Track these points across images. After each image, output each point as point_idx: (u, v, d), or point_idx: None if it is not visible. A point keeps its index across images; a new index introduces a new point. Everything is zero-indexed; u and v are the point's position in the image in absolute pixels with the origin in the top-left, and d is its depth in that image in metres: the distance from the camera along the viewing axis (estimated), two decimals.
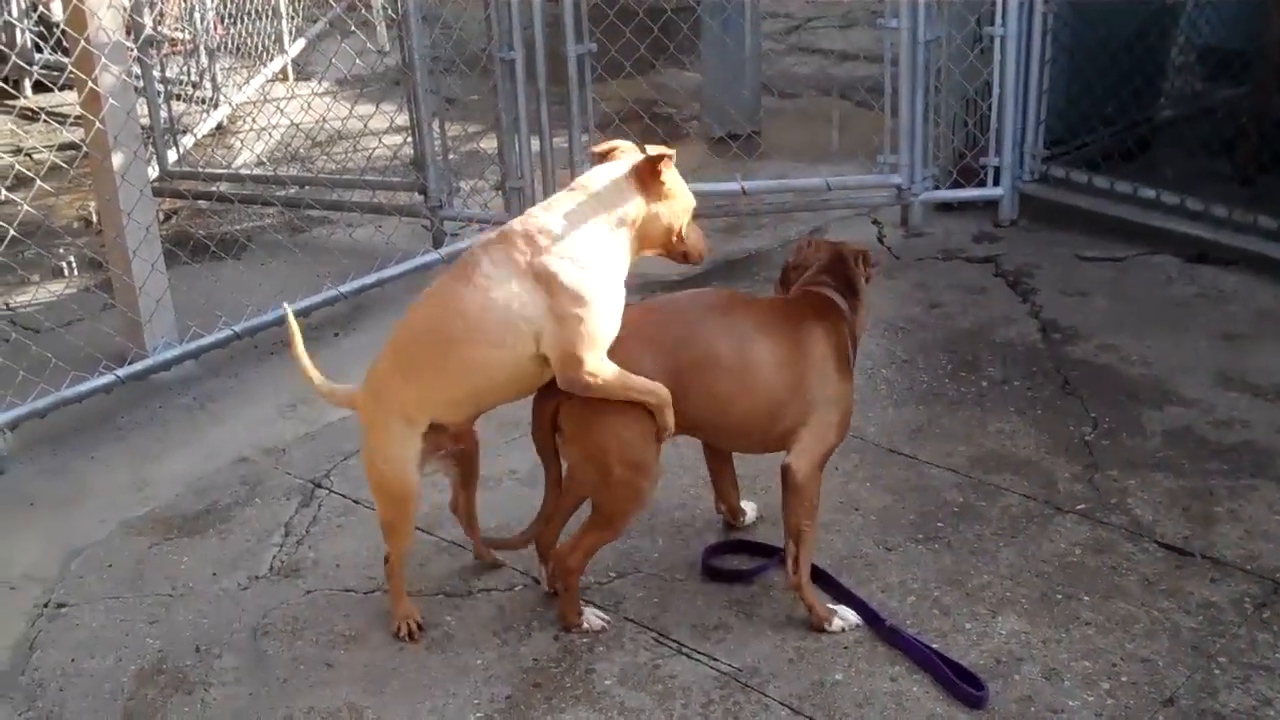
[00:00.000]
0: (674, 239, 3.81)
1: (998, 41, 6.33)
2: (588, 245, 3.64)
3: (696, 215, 3.89)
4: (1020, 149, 6.53)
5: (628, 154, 3.80)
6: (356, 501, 4.60)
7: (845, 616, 3.87)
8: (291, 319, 3.98)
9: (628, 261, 3.73)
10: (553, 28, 6.29)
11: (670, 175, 3.73)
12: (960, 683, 3.61)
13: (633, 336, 3.68)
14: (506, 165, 6.44)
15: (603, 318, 3.61)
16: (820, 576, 3.98)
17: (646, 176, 3.70)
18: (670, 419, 3.67)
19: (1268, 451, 4.61)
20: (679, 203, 3.78)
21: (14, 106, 7.40)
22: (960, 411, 4.94)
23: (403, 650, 3.87)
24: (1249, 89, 6.84)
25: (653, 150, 3.70)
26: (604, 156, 3.82)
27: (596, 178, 3.73)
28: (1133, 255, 6.13)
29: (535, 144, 6.43)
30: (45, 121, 8.11)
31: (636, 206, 3.70)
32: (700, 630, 3.88)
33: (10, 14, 9.02)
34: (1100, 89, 6.71)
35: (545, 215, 3.68)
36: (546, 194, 6.35)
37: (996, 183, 6.53)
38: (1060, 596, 3.94)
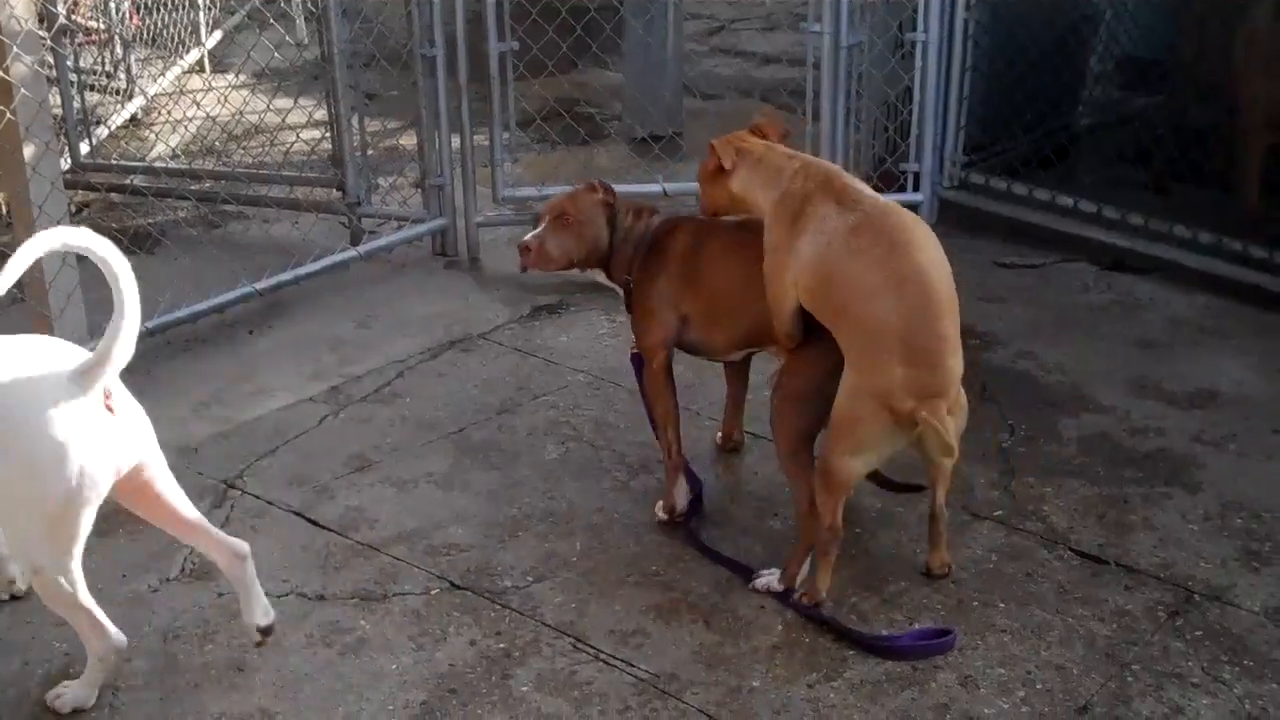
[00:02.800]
0: None
1: (919, 47, 6.35)
2: None
3: None
4: (940, 155, 6.56)
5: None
6: (270, 503, 4.53)
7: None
8: None
9: None
10: (474, 24, 6.25)
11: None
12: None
13: None
14: (426, 162, 6.38)
15: None
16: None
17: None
18: None
19: (1182, 459, 4.66)
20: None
21: None
22: None
23: (316, 655, 3.82)
24: (1165, 98, 6.92)
25: None
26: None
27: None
28: (1050, 262, 6.18)
29: (455, 141, 6.38)
30: None
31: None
32: (618, 636, 3.86)
33: None
34: (1020, 96, 6.75)
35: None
36: (466, 191, 6.35)
37: (916, 188, 6.55)
38: (976, 604, 3.96)
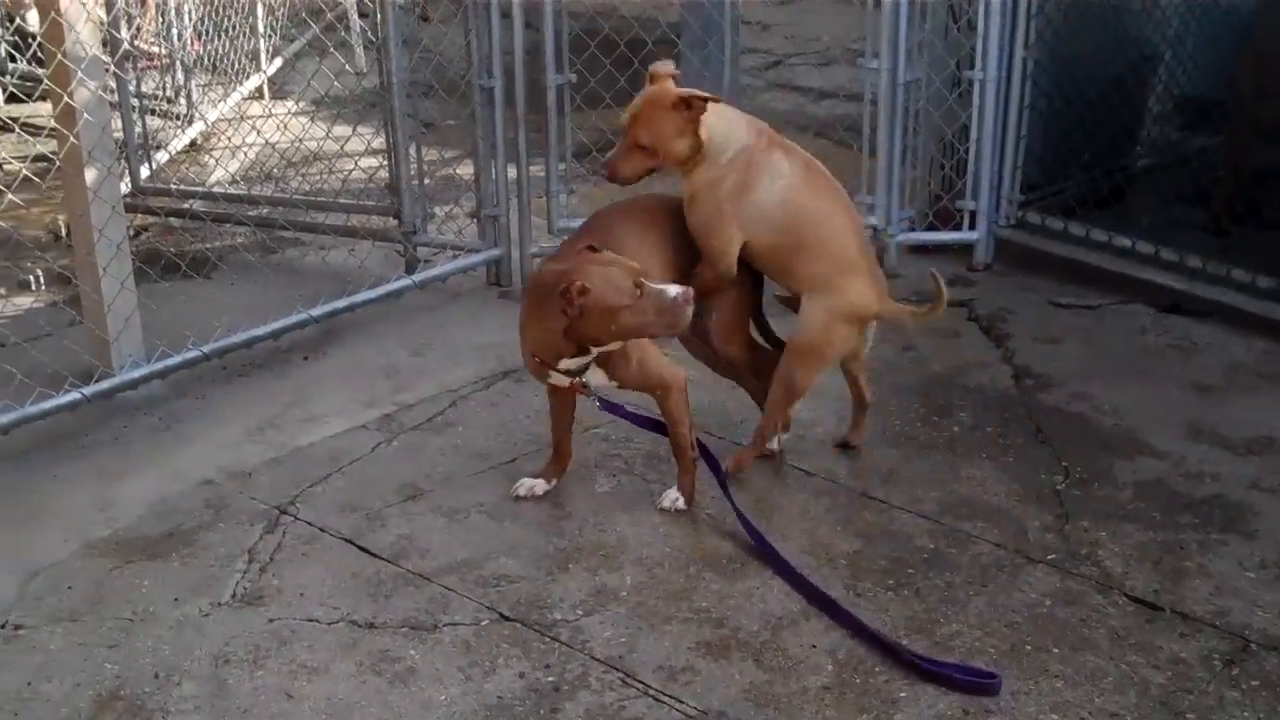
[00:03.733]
0: None
1: (977, 85, 6.34)
2: None
3: None
4: (997, 193, 6.54)
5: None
6: (322, 530, 4.55)
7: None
8: None
9: None
10: (533, 56, 6.27)
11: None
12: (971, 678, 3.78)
13: None
14: (482, 192, 6.41)
15: None
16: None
17: None
18: None
19: (1238, 506, 4.61)
20: None
21: None
22: (932, 456, 4.92)
23: (365, 684, 3.82)
24: (1225, 139, 6.88)
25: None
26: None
27: None
28: (1106, 303, 6.14)
29: (511, 171, 6.40)
30: (18, 133, 8.06)
31: None
32: (667, 671, 3.84)
33: None
34: (1078, 135, 6.73)
35: None
36: (521, 222, 6.37)
37: (972, 226, 6.53)
38: (1029, 648, 3.92)
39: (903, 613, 4.07)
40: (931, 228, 6.61)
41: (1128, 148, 7.21)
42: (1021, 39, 6.34)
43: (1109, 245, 6.32)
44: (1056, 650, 3.91)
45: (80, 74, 5.11)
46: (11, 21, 9.08)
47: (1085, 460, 4.88)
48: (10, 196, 5.44)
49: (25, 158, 7.01)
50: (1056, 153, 6.76)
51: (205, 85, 8.67)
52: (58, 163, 5.36)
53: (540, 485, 4.71)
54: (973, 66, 6.34)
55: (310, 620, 4.10)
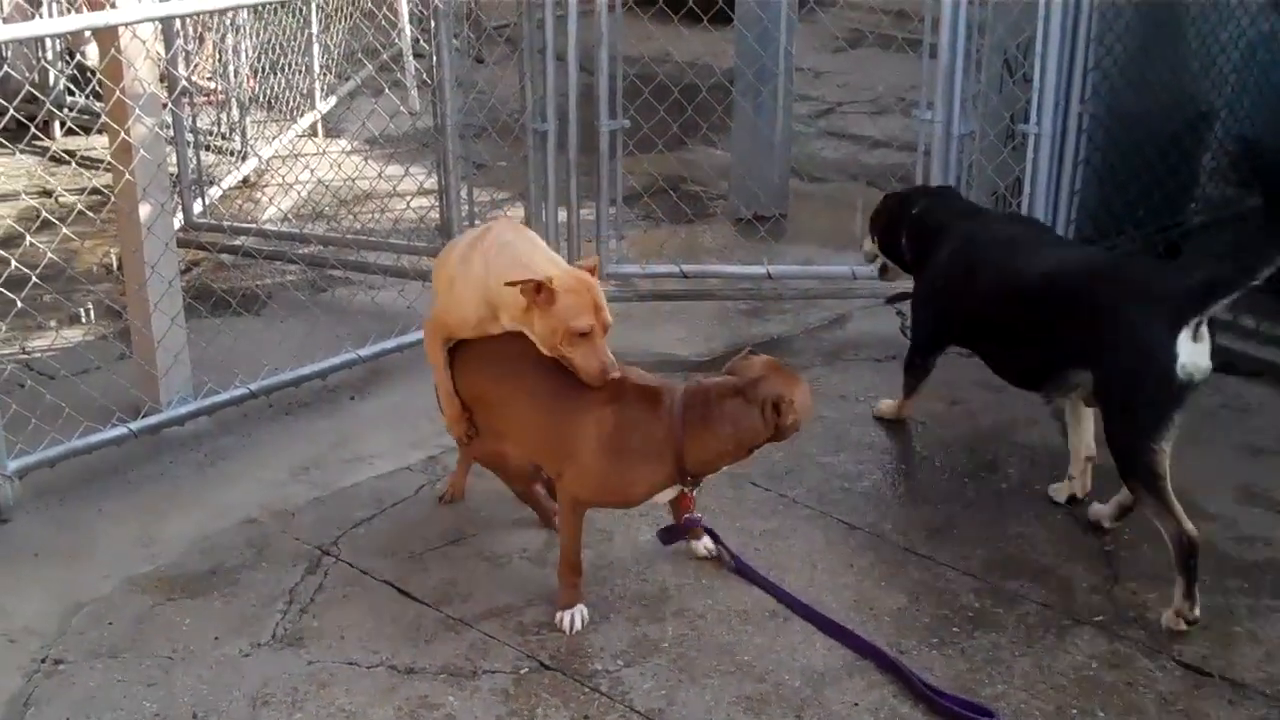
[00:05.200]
0: (555, 351, 4.14)
1: (1031, 139, 6.30)
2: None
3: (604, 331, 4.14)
4: None
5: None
6: (364, 572, 4.54)
7: (574, 619, 4.26)
8: None
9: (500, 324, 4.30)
10: (586, 99, 6.28)
11: (549, 296, 4.08)
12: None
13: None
14: None
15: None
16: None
17: (523, 289, 4.09)
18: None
19: None
20: (553, 322, 4.09)
21: (45, 149, 7.39)
22: (979, 514, 4.87)
23: None
24: None
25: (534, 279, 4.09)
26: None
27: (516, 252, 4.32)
28: None
29: (562, 214, 6.41)
30: (74, 165, 8.13)
31: (520, 302, 4.14)
32: None
33: (46, 57, 9.05)
34: (1132, 191, 6.68)
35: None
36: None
37: None
38: (1075, 711, 3.87)
39: (947, 672, 4.03)
40: None
41: (1182, 204, 7.15)
42: (1078, 93, 6.30)
43: None
44: (1103, 714, 3.86)
45: (138, 110, 5.15)
46: (71, 56, 9.16)
47: (1133, 521, 4.81)
48: (65, 230, 5.47)
49: (81, 190, 7.08)
50: (1110, 208, 6.72)
51: (260, 122, 8.72)
52: (112, 197, 5.39)
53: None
54: (1027, 120, 6.30)
55: (350, 663, 4.09)
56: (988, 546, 4.66)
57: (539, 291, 4.05)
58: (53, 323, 6.33)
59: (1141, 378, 4.27)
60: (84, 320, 6.54)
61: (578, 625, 4.23)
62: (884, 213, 5.56)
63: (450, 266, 4.43)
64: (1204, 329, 4.22)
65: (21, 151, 7.08)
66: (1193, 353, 4.20)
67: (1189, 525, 4.21)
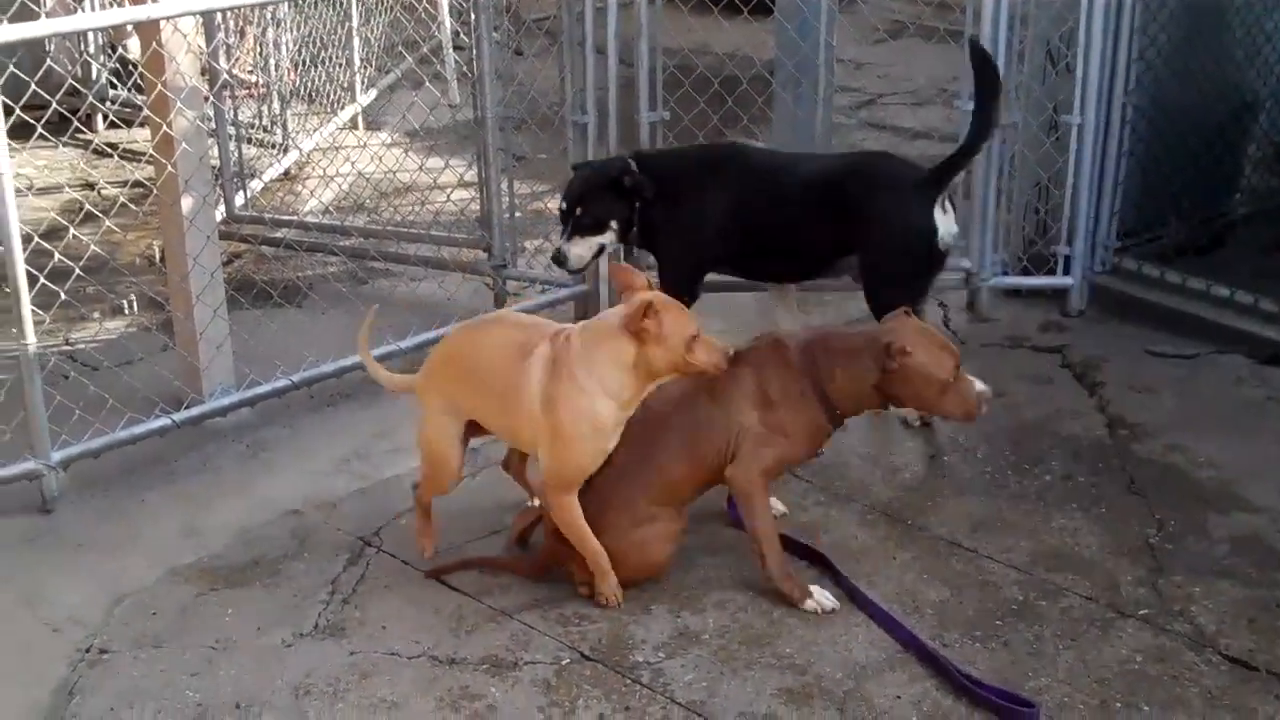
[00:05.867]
0: (682, 365, 4.12)
1: (1074, 130, 6.26)
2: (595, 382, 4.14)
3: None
4: (1092, 239, 6.44)
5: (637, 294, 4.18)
6: (405, 563, 4.55)
7: (820, 600, 4.25)
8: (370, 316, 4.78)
9: (635, 395, 4.18)
10: (626, 91, 6.26)
11: (656, 320, 4.06)
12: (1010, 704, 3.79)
13: None
14: None
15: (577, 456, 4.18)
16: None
17: (633, 327, 4.07)
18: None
19: None
20: (672, 339, 4.08)
21: (87, 142, 7.43)
22: (1022, 506, 4.84)
23: None
24: None
25: (638, 301, 4.08)
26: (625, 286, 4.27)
27: (597, 332, 4.19)
28: (1203, 353, 6.00)
29: None
30: (116, 158, 8.17)
31: (630, 352, 4.10)
32: (749, 718, 3.80)
33: (88, 50, 9.09)
34: (1176, 182, 6.63)
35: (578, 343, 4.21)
36: (611, 258, 6.33)
37: (1067, 272, 6.44)
38: (1120, 705, 3.84)
39: (990, 664, 4.00)
40: (1025, 272, 6.52)
41: (1227, 195, 7.09)
42: (1121, 84, 6.26)
43: (1207, 294, 6.20)
44: (1147, 708, 3.83)
45: (179, 103, 5.17)
46: (113, 50, 9.20)
47: (1179, 513, 4.78)
48: (108, 222, 5.50)
49: (123, 183, 7.12)
50: (1154, 199, 6.67)
51: (300, 115, 8.74)
52: (154, 190, 5.41)
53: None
54: (1070, 111, 6.26)
55: (391, 654, 4.09)
56: (1031, 539, 4.64)
57: (647, 316, 4.07)
58: (96, 314, 6.37)
59: (910, 250, 5.10)
60: (127, 312, 6.57)
61: (829, 604, 4.25)
62: (601, 188, 5.38)
63: (533, 420, 4.23)
64: (948, 203, 5.12)
65: (64, 145, 7.10)
66: (945, 223, 5.08)
67: None
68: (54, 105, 5.08)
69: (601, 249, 5.42)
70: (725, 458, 4.27)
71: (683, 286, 5.30)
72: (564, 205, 5.39)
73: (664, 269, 5.48)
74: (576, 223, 5.35)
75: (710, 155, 5.68)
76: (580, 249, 5.37)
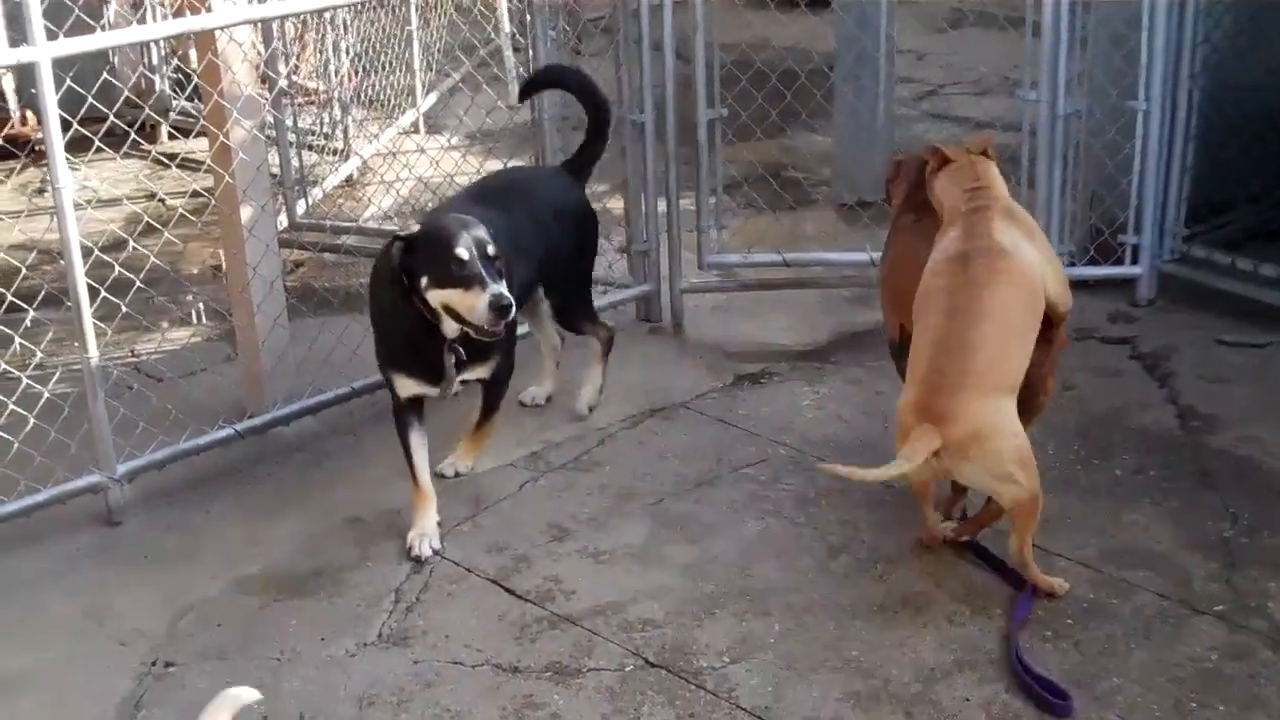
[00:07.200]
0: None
1: (1140, 116, 6.15)
2: None
3: None
4: (1160, 227, 6.33)
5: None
6: (468, 570, 4.53)
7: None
8: None
9: None
10: (684, 88, 6.21)
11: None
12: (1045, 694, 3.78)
13: None
14: (633, 228, 6.37)
15: None
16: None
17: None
18: None
19: None
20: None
21: (149, 152, 7.48)
22: (1092, 501, 4.76)
23: None
24: None
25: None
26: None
27: None
28: (1276, 341, 5.87)
29: (662, 206, 6.35)
30: (179, 168, 8.21)
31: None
32: None
33: (150, 61, 9.14)
34: (1245, 165, 6.50)
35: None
36: (671, 257, 6.31)
37: (1135, 261, 6.33)
38: (1195, 705, 3.76)
39: (1060, 665, 3.93)
40: (1092, 262, 6.42)
41: None
42: (1187, 68, 6.15)
43: (1279, 281, 6.08)
44: (1223, 708, 3.75)
45: (236, 114, 5.17)
46: (174, 57, 9.24)
47: (1254, 506, 4.68)
48: (166, 234, 5.51)
49: (185, 193, 7.14)
50: (1223, 184, 6.54)
51: (361, 121, 8.75)
52: (212, 200, 5.42)
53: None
54: (1135, 97, 6.15)
55: (455, 663, 4.08)
56: (1102, 536, 4.56)
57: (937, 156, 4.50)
58: (161, 325, 6.39)
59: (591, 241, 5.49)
60: (190, 323, 6.60)
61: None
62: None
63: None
64: None
65: (125, 156, 7.14)
66: None
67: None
68: (111, 117, 5.08)
69: None
70: None
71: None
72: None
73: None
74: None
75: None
76: None
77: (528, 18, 6.30)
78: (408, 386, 4.79)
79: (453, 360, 4.66)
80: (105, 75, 5.26)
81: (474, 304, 4.40)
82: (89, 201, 7.22)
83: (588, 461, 5.18)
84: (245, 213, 5.30)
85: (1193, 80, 6.17)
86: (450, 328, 4.57)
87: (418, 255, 4.51)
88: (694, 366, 5.94)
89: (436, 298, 4.48)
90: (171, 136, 9.01)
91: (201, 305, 6.69)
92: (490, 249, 4.46)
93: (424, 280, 4.48)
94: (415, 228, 4.58)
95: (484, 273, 4.41)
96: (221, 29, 5.06)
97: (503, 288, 4.41)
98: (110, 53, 8.28)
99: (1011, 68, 8.18)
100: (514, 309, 4.45)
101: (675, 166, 6.28)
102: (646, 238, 6.35)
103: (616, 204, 6.76)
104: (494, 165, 7.35)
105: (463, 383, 4.81)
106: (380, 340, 4.87)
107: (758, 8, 7.07)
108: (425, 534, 4.66)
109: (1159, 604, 4.19)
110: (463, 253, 4.41)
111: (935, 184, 4.56)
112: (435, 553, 4.62)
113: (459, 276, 4.42)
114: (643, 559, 4.54)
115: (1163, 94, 6.12)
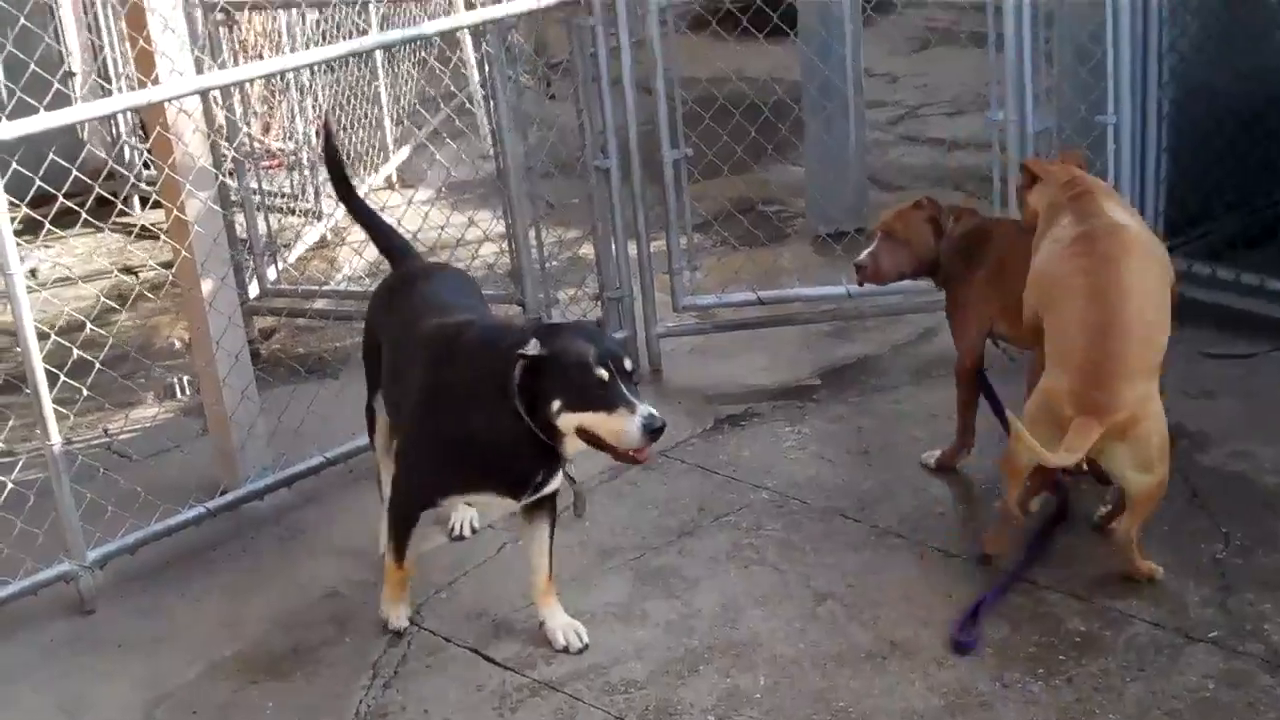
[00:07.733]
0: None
1: (1110, 130, 6.06)
2: None
3: None
4: None
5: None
6: (447, 639, 4.43)
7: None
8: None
9: None
10: (649, 128, 6.11)
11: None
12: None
13: None
14: (604, 274, 6.27)
15: None
16: None
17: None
18: None
19: None
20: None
21: (129, 225, 7.38)
22: (1080, 528, 4.66)
23: None
24: None
25: None
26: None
27: None
28: (1262, 352, 5.77)
29: (633, 250, 6.26)
30: (151, 239, 8.13)
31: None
32: None
33: (120, 131, 9.06)
34: (1220, 172, 6.40)
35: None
36: (645, 302, 6.22)
37: None
38: None
39: (1054, 704, 3.84)
40: None
41: (1275, 183, 6.85)
42: (1155, 78, 6.06)
43: (1261, 289, 5.98)
44: None
45: (188, 185, 5.09)
46: (143, 127, 9.15)
47: (1247, 525, 4.59)
48: (123, 315, 5.43)
49: (159, 264, 7.05)
50: (1200, 194, 6.44)
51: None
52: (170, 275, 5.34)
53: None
54: (1104, 111, 6.07)
55: None
56: (1092, 564, 4.45)
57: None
58: (130, 404, 6.29)
59: None
60: (158, 400, 6.49)
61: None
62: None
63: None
64: None
65: (98, 230, 7.06)
66: None
67: None
68: (60, 199, 4.97)
69: None
70: None
71: None
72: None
73: None
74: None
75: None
76: None
77: (485, 68, 6.19)
78: (483, 499, 4.51)
79: (542, 475, 4.26)
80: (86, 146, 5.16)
81: (623, 428, 3.89)
82: (60, 280, 7.15)
83: (566, 518, 5.05)
84: (205, 285, 5.20)
85: (1161, 90, 6.09)
86: (573, 447, 4.09)
87: (546, 376, 3.98)
88: (673, 412, 5.79)
89: (570, 422, 3.98)
90: (154, 206, 8.90)
91: (175, 381, 6.59)
92: (627, 363, 3.99)
93: (555, 404, 3.96)
94: (537, 346, 3.99)
95: (628, 393, 3.95)
96: (170, 100, 4.98)
97: (652, 408, 3.93)
98: (79, 127, 8.22)
99: (984, 85, 8.08)
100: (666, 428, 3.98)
101: (644, 209, 6.18)
102: (619, 284, 6.25)
103: (588, 250, 6.67)
104: (462, 218, 7.27)
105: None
106: (453, 455, 4.27)
107: (714, 39, 6.97)
108: (401, 603, 4.54)
109: (1152, 633, 4.10)
110: (603, 373, 3.92)
111: (1029, 196, 4.72)
112: (411, 622, 4.52)
113: (602, 400, 3.94)
114: (624, 618, 4.45)
115: (1132, 106, 6.02)
